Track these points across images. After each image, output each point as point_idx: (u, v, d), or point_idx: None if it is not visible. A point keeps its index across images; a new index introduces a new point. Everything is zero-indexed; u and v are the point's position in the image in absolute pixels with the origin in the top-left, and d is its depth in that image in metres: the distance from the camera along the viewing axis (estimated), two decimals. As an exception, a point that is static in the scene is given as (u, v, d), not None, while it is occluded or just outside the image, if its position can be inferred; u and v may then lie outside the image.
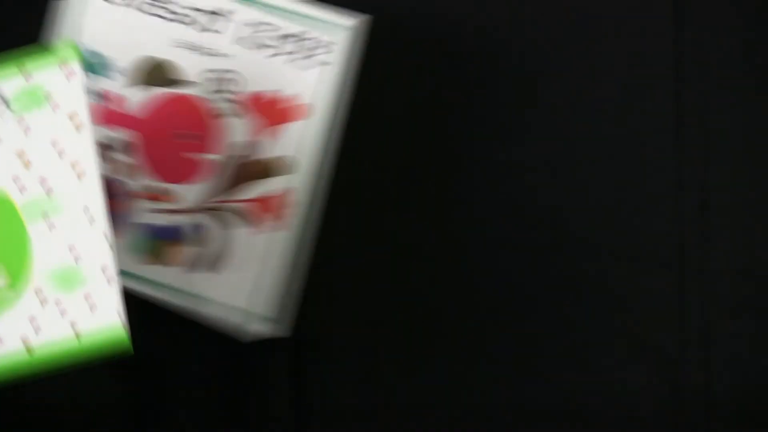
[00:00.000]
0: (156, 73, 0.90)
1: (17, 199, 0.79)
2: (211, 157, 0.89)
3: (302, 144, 0.87)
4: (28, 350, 0.77)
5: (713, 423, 0.85)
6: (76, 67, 0.80)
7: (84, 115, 0.79)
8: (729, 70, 0.87)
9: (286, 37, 0.88)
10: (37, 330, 0.77)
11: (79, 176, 0.79)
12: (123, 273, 0.85)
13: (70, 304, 0.77)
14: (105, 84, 0.90)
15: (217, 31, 0.89)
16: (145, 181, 0.89)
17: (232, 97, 0.89)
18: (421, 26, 0.90)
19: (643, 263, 0.86)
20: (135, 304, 0.81)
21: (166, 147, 0.90)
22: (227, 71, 0.89)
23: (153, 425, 0.88)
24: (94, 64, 0.90)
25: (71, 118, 0.79)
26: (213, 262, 0.88)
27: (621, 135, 0.87)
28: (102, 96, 0.90)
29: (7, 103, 0.80)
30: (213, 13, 0.89)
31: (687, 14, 0.86)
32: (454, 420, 0.87)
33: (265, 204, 0.89)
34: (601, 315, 0.87)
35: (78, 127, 0.79)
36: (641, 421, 0.85)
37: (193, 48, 0.89)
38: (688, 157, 0.86)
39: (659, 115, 0.87)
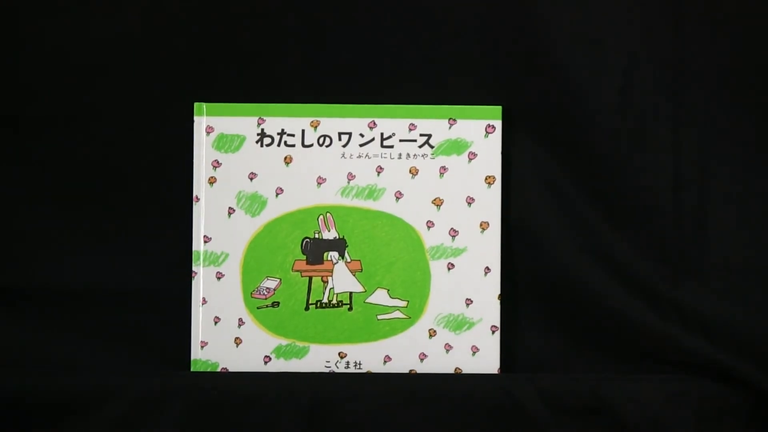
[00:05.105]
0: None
1: (425, 239, 0.86)
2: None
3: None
4: (411, 373, 0.85)
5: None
6: (497, 124, 0.86)
7: (497, 171, 0.86)
8: (727, 70, 0.87)
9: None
10: (422, 359, 0.85)
11: (482, 227, 0.86)
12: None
13: (454, 344, 0.85)
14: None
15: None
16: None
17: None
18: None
19: (641, 260, 0.87)
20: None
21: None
22: None
23: None
24: None
25: (484, 170, 0.86)
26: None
27: (620, 133, 0.87)
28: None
29: (429, 142, 0.86)
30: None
31: (686, 18, 0.87)
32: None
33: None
34: (600, 312, 0.86)
35: (488, 181, 0.86)
36: (640, 418, 0.84)
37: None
38: (687, 155, 0.87)
39: (658, 115, 0.87)
